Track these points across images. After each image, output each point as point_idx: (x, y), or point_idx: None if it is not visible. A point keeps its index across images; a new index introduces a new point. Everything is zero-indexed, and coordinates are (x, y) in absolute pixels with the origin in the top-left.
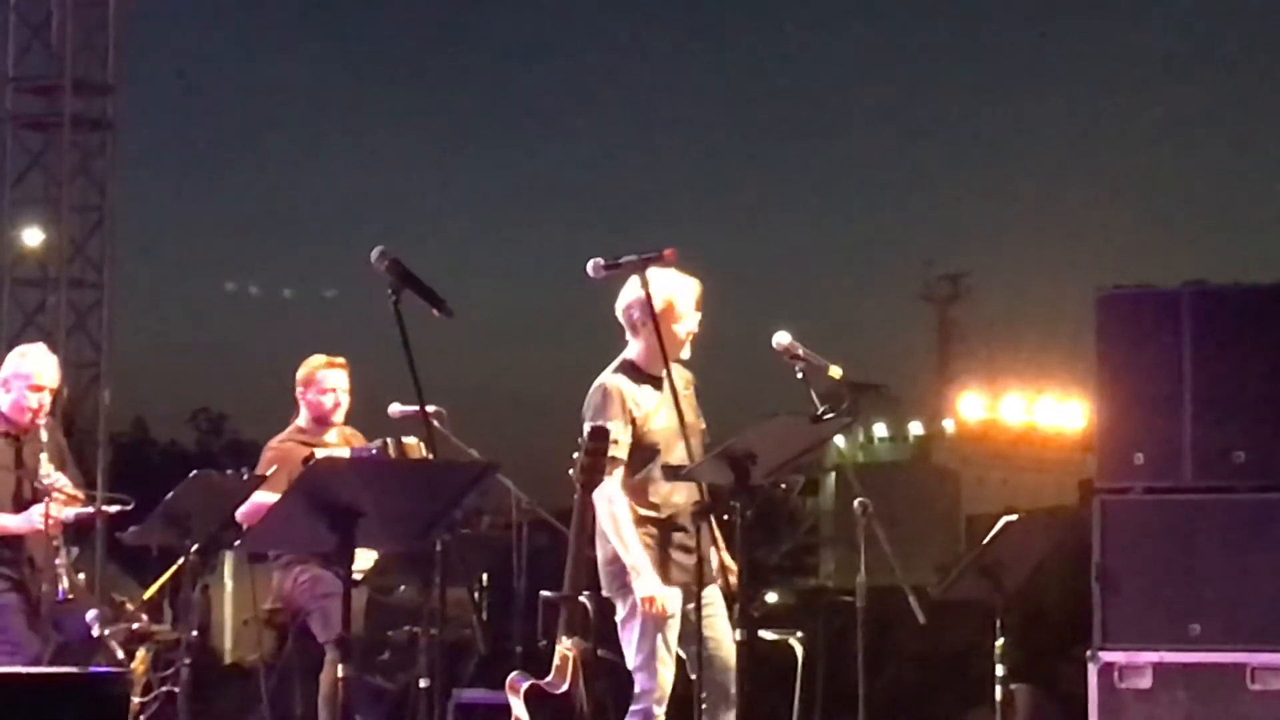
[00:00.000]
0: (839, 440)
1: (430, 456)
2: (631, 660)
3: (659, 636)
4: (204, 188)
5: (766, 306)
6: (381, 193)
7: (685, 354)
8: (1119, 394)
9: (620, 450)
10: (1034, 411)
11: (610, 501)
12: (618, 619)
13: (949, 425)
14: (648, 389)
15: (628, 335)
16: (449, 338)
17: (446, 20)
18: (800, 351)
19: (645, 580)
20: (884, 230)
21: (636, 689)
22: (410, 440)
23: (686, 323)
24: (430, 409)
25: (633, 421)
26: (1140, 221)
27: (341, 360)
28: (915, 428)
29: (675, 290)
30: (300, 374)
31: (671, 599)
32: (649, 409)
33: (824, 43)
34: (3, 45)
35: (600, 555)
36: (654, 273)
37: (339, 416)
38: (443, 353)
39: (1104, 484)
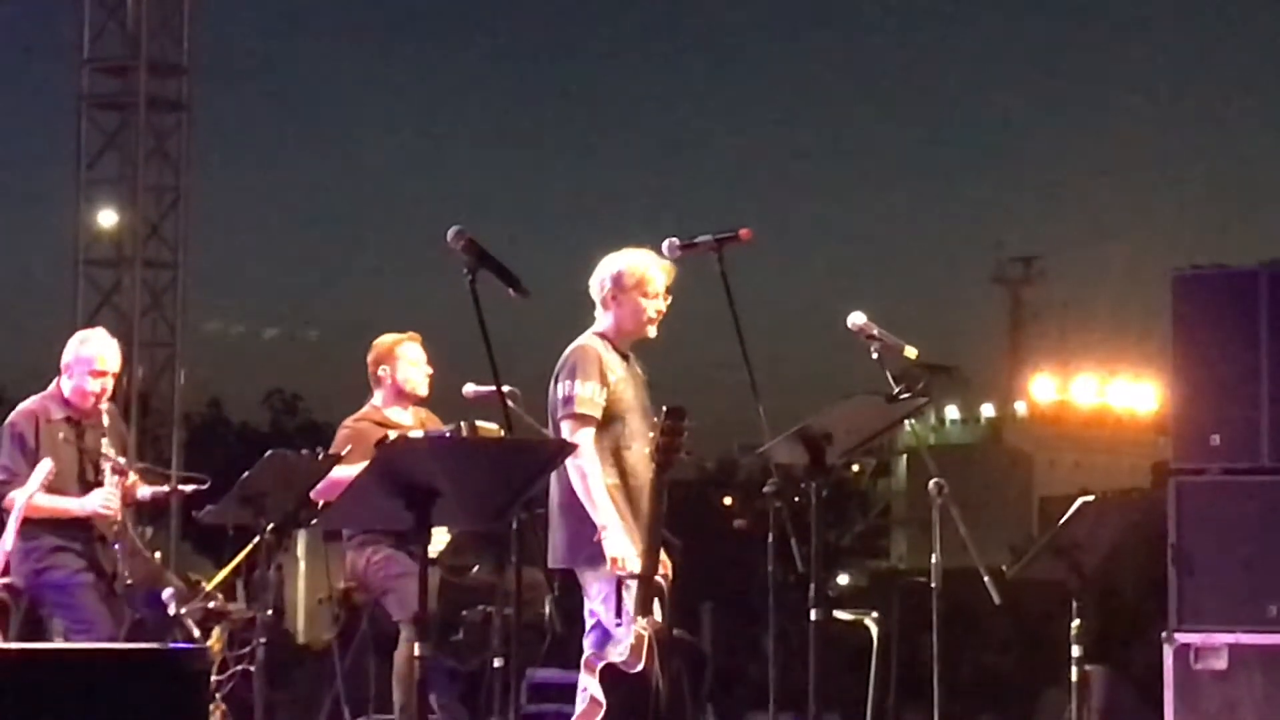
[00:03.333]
0: (910, 422)
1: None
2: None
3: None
4: (280, 169)
5: (840, 288)
6: (457, 174)
7: (652, 333)
8: (1195, 375)
9: (595, 410)
10: (1106, 393)
11: (579, 456)
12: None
13: (1021, 407)
14: (618, 359)
15: (598, 309)
16: (524, 317)
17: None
18: (875, 332)
19: (613, 538)
20: (957, 212)
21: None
22: (488, 425)
23: (657, 303)
24: (505, 389)
25: (606, 385)
26: (1216, 201)
27: (416, 335)
28: (987, 410)
29: (650, 269)
30: (377, 352)
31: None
32: (620, 376)
33: (902, 30)
34: (78, 26)
35: (566, 528)
36: (633, 251)
37: (424, 389)
38: (517, 332)
39: (1180, 465)
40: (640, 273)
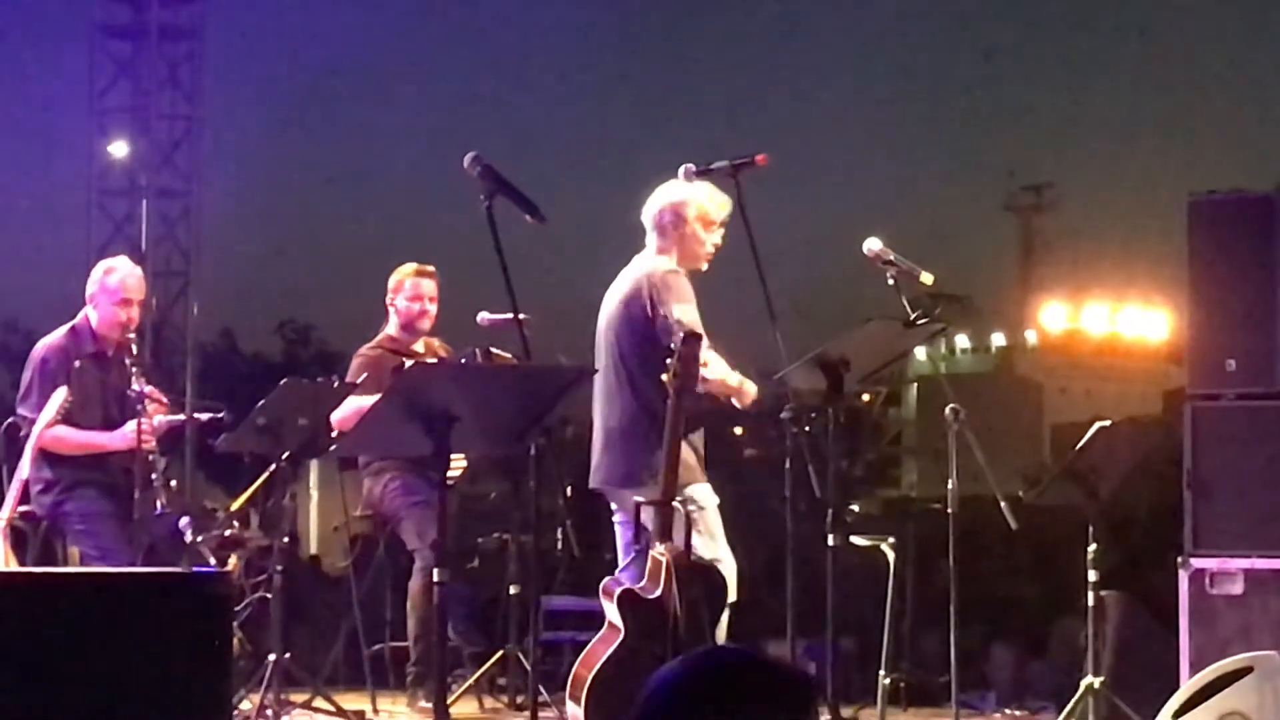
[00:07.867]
0: (921, 352)
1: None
2: (713, 551)
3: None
4: (293, 98)
5: (851, 216)
6: (475, 100)
7: (704, 266)
8: (1210, 300)
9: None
10: (1117, 321)
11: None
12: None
13: (1031, 336)
14: None
15: (653, 238)
16: (540, 243)
17: None
18: (891, 257)
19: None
20: (968, 141)
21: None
22: (502, 354)
23: (714, 236)
24: (521, 316)
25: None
26: (1230, 125)
27: (431, 269)
28: (998, 339)
29: (710, 202)
30: (391, 280)
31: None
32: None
33: None
34: None
35: (619, 450)
36: (697, 185)
37: (425, 325)
38: (532, 258)
39: (1195, 391)
40: (702, 204)
